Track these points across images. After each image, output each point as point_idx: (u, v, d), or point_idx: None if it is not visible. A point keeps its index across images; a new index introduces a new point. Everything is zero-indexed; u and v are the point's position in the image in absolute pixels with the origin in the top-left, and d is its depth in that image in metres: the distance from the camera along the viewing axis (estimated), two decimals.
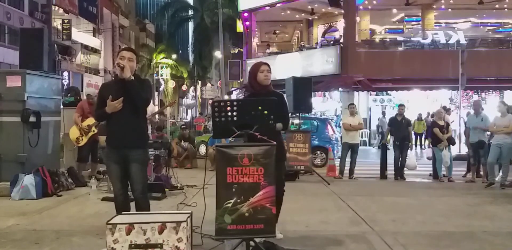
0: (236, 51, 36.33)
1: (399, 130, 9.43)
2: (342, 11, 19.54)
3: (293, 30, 29.30)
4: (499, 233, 4.46)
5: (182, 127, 11.70)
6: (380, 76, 17.23)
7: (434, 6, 21.22)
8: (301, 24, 26.92)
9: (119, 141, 3.72)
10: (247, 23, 23.95)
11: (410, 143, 9.39)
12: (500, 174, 8.17)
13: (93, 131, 7.33)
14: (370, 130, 18.52)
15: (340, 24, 21.21)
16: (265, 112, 3.50)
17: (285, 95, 8.98)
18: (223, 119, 3.51)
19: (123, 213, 3.49)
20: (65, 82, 21.64)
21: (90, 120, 7.38)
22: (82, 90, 17.57)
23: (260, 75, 3.96)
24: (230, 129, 3.48)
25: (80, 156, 7.49)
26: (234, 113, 3.50)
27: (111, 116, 3.76)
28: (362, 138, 16.60)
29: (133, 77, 3.67)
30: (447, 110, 14.85)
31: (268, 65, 4.03)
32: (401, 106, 9.87)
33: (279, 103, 3.80)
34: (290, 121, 6.63)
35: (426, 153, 14.40)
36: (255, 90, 4.01)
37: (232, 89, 30.74)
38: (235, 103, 3.56)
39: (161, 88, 37.11)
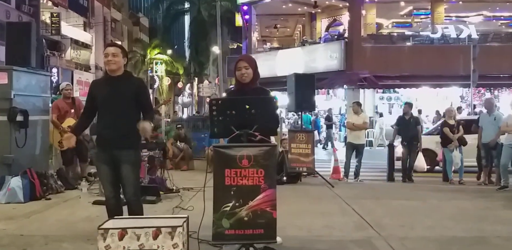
0: (235, 47, 36.37)
1: (407, 129, 9.44)
2: (347, 4, 19.57)
3: (295, 24, 29.29)
4: None
5: (178, 126, 11.68)
6: (387, 73, 17.24)
7: None
8: (304, 18, 26.91)
9: (109, 141, 3.72)
10: (247, 16, 23.96)
11: (419, 143, 9.38)
12: None
13: None
14: (385, 130, 18.47)
15: (345, 17, 21.22)
16: (253, 111, 3.46)
17: (287, 93, 8.97)
18: (221, 118, 3.51)
19: (115, 217, 3.50)
20: (54, 79, 21.60)
21: (70, 121, 7.23)
22: (72, 88, 17.55)
23: (237, 73, 3.85)
24: (229, 128, 3.48)
25: (64, 159, 7.43)
26: (233, 112, 3.50)
27: (100, 115, 3.79)
28: (368, 138, 16.60)
29: (121, 73, 3.73)
30: (458, 108, 14.89)
31: (247, 60, 3.85)
32: (405, 105, 9.90)
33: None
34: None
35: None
36: (237, 88, 3.96)
37: (231, 86, 30.74)
38: (233, 102, 3.57)
39: (155, 86, 37.06)
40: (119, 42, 32.16)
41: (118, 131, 3.71)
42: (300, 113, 10.05)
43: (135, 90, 3.77)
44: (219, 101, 3.58)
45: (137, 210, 3.78)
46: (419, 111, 16.73)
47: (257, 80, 3.91)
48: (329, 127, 18.76)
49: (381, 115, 18.07)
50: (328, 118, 18.99)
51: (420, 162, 9.44)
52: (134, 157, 3.80)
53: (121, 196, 3.89)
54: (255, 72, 3.84)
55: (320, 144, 19.45)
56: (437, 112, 16.61)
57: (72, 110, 7.42)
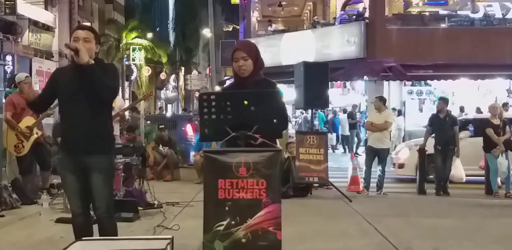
0: (231, 29, 36.42)
1: (441, 131, 9.44)
2: None
3: (304, 2, 29.32)
4: None
5: (161, 127, 11.69)
6: (417, 62, 17.22)
7: None
8: None
9: (76, 145, 3.71)
10: None
11: (456, 148, 9.38)
12: None
13: (36, 134, 7.24)
14: (404, 131, 18.48)
15: None
16: (252, 108, 3.45)
17: (293, 86, 8.98)
18: (214, 117, 3.51)
19: (83, 238, 3.49)
20: (9, 69, 21.60)
21: (29, 120, 7.19)
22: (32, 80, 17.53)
23: (234, 65, 3.81)
24: (223, 129, 3.48)
25: (22, 167, 7.38)
26: (228, 109, 3.50)
27: (65, 112, 3.77)
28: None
29: (93, 62, 3.65)
30: (504, 105, 14.88)
31: (246, 50, 3.79)
32: (439, 100, 9.88)
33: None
34: None
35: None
36: (236, 81, 3.94)
37: (226, 78, 30.79)
38: (229, 96, 3.56)
39: (133, 77, 37.09)
40: (88, 24, 32.21)
41: (88, 132, 3.69)
42: (311, 111, 10.05)
43: None
44: (211, 96, 3.57)
45: (110, 229, 3.78)
46: (461, 109, 16.71)
47: (260, 70, 3.88)
48: (352, 126, 18.77)
49: (399, 113, 18.10)
50: (351, 116, 19.00)
51: (458, 170, 9.44)
52: (107, 164, 3.80)
53: (91, 212, 3.88)
54: (256, 63, 3.80)
55: (336, 149, 19.48)
56: (478, 109, 16.60)
57: None
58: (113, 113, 7.33)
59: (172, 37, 44.77)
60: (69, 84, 3.70)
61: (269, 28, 23.78)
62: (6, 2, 22.55)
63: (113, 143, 3.99)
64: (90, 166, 3.70)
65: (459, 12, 20.25)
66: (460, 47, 17.22)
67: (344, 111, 19.68)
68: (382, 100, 9.77)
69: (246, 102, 3.47)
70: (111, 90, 3.73)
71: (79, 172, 3.73)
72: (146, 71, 37.33)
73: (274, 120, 3.54)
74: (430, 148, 9.60)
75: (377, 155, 9.30)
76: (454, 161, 9.43)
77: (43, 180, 7.65)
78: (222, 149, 3.60)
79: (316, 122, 10.57)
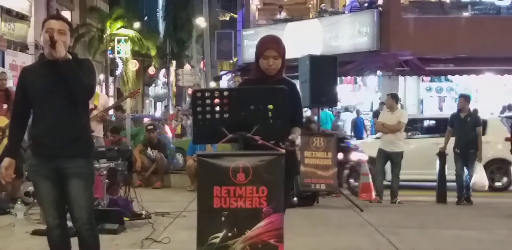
0: (228, 18, 36.45)
1: (461, 132, 9.43)
2: None
3: None
4: None
5: (149, 128, 11.70)
6: (436, 55, 17.23)
7: None
8: None
9: (51, 148, 3.70)
10: None
11: (478, 151, 9.36)
12: None
13: None
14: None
15: None
16: (270, 106, 3.50)
17: (298, 82, 9.00)
18: (209, 116, 3.52)
19: None
20: None
21: (2, 120, 7.21)
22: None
23: (263, 63, 3.92)
24: (219, 131, 3.49)
25: None
26: (225, 108, 3.51)
27: (38, 113, 3.76)
28: None
29: (70, 56, 3.65)
30: None
31: (277, 48, 3.93)
32: (460, 98, 9.87)
33: (290, 96, 3.81)
34: None
35: None
36: (256, 77, 4.03)
37: (222, 73, 30.86)
38: (226, 93, 3.57)
39: (118, 72, 37.12)
40: (68, 13, 32.22)
41: (64, 134, 3.69)
42: (318, 109, 10.06)
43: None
44: (206, 93, 3.58)
45: (91, 243, 3.78)
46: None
47: (283, 70, 4.02)
48: None
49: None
50: (377, 116, 18.91)
51: (480, 177, 9.41)
52: (86, 169, 3.80)
53: (69, 223, 3.88)
54: (283, 61, 3.97)
55: None
56: (507, 107, 16.61)
57: (5, 106, 7.41)
58: (97, 112, 7.41)
59: (162, 27, 44.78)
60: (42, 83, 3.69)
61: (278, 15, 23.72)
62: None
63: (92, 146, 3.99)
64: (67, 171, 3.70)
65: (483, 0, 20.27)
66: (485, 39, 17.22)
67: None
68: (395, 98, 9.77)
69: (271, 106, 3.51)
70: (87, 89, 3.73)
71: (54, 178, 3.72)
72: (133, 66, 37.31)
73: (280, 121, 3.57)
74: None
75: (390, 159, 9.31)
76: (476, 166, 9.41)
77: (14, 189, 7.65)
78: (218, 153, 3.60)
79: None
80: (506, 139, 9.49)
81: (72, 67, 3.62)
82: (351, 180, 10.35)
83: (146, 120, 17.45)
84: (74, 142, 3.72)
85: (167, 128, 16.46)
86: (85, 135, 3.83)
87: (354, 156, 9.96)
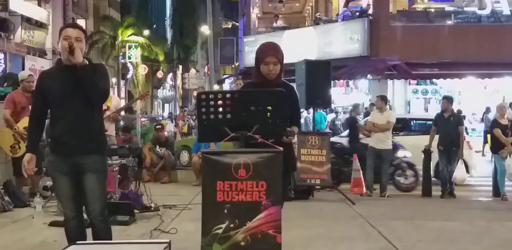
0: (230, 26, 36.42)
1: (445, 131, 9.43)
2: None
3: None
4: None
5: (157, 127, 11.70)
6: (422, 60, 17.22)
7: None
8: None
9: (68, 146, 3.73)
10: None
11: (460, 149, 9.35)
12: None
13: None
14: None
15: None
16: (269, 107, 3.50)
17: (295, 85, 9.01)
18: (212, 116, 3.52)
19: (77, 242, 3.49)
20: (1, 67, 21.64)
21: (28, 121, 7.26)
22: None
23: (264, 68, 3.95)
24: (222, 130, 3.49)
25: (16, 169, 7.41)
26: (227, 109, 3.51)
27: (56, 114, 3.78)
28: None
29: (86, 62, 3.68)
30: (511, 104, 14.87)
31: (277, 55, 3.96)
32: (444, 100, 9.88)
33: (289, 98, 3.82)
34: None
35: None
36: (257, 81, 4.04)
37: (224, 76, 30.80)
38: (228, 95, 3.57)
39: (129, 76, 37.09)
40: (83, 21, 32.21)
41: (81, 134, 3.72)
42: (313, 110, 10.05)
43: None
44: (210, 95, 3.58)
45: (104, 233, 3.79)
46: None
47: (282, 74, 4.06)
48: None
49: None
50: (368, 116, 18.88)
51: (460, 172, 9.41)
52: (100, 165, 3.83)
53: (84, 215, 3.88)
54: (282, 68, 4.01)
55: None
56: (489, 109, 16.60)
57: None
58: (110, 113, 7.40)
59: (169, 35, 44.79)
60: (60, 87, 3.71)
61: (274, 24, 23.70)
62: None
63: (106, 144, 4.01)
64: (83, 167, 3.72)
65: (465, 9, 20.22)
66: (467, 45, 17.22)
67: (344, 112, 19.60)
68: (384, 99, 9.78)
69: (270, 107, 3.52)
70: (102, 93, 3.75)
71: (71, 174, 3.74)
72: (143, 70, 37.31)
73: (279, 121, 3.57)
74: None
75: (379, 156, 9.30)
76: (457, 162, 9.41)
77: (33, 184, 7.65)
78: (221, 150, 3.60)
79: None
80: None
81: (88, 72, 3.65)
82: (398, 178, 10.04)
83: (143, 119, 17.31)
84: (89, 140, 3.74)
85: (170, 126, 16.40)
86: (99, 134, 3.86)
87: (400, 154, 9.89)
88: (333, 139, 10.41)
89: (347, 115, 19.43)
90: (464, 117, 17.42)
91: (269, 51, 3.99)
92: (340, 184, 9.89)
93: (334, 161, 9.51)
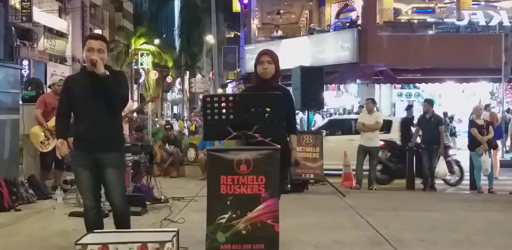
0: (232, 36, 36.38)
1: (426, 130, 9.44)
2: None
3: (301, 10, 29.32)
4: None
5: (167, 127, 11.69)
6: (406, 66, 17.23)
7: None
8: (311, 3, 26.94)
9: (90, 143, 3.77)
10: (246, 1, 23.96)
11: (440, 146, 9.36)
12: None
13: None
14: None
15: (358, 2, 21.22)
16: (268, 109, 3.51)
17: (291, 89, 9.00)
18: (216, 117, 3.52)
19: (95, 231, 3.50)
20: (25, 73, 21.64)
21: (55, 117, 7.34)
22: (46, 83, 17.56)
23: (259, 68, 3.98)
24: (225, 129, 3.49)
25: (43, 163, 7.45)
26: (230, 110, 3.51)
27: (80, 115, 3.85)
28: None
29: (108, 72, 3.73)
30: (487, 106, 14.88)
31: (270, 55, 4.01)
32: (425, 102, 9.91)
33: (285, 100, 3.82)
34: None
35: None
36: (256, 84, 4.05)
37: (227, 81, 30.78)
38: (231, 98, 3.57)
39: (141, 80, 37.08)
40: (100, 31, 32.18)
41: (103, 133, 3.78)
42: (307, 112, 10.05)
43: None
44: (214, 98, 3.59)
45: (124, 221, 3.86)
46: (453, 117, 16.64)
47: (279, 78, 4.06)
48: None
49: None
50: None
51: (441, 167, 9.42)
52: (119, 160, 3.88)
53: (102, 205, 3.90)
54: (277, 69, 4.00)
55: None
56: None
57: None
58: (124, 114, 7.40)
59: (177, 43, 44.74)
60: (84, 91, 3.78)
61: (275, 33, 23.76)
62: (23, 10, 22.57)
63: (124, 142, 4.09)
64: (104, 162, 3.77)
65: (445, 20, 20.27)
66: (447, 53, 17.23)
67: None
68: (374, 102, 9.82)
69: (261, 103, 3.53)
70: (122, 98, 3.84)
71: (92, 168, 3.78)
72: (154, 75, 37.32)
73: (276, 121, 3.58)
74: None
75: (369, 153, 9.30)
76: (438, 158, 9.41)
77: (56, 178, 7.65)
78: (224, 147, 3.62)
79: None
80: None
81: (110, 81, 3.72)
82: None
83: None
84: (109, 138, 3.81)
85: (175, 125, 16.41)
86: (118, 133, 3.95)
87: (451, 152, 10.03)
88: (384, 137, 10.21)
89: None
90: (452, 117, 17.54)
91: (263, 52, 4.06)
92: (393, 180, 10.05)
93: (388, 158, 9.53)
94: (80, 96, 3.79)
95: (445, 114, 16.38)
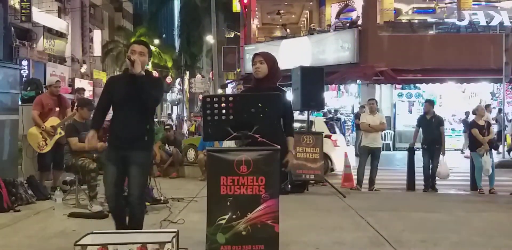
0: (232, 36, 36.37)
1: (427, 131, 9.43)
2: None
3: (301, 10, 29.32)
4: None
5: (166, 127, 11.68)
6: (406, 66, 17.24)
7: None
8: (311, 3, 26.95)
9: (121, 141, 4.03)
10: (246, 1, 23.96)
11: (441, 147, 9.36)
12: None
13: (59, 133, 7.30)
14: (394, 131, 18.52)
15: (358, 2, 21.23)
16: (266, 109, 3.52)
17: (291, 89, 9.00)
18: (216, 118, 3.52)
19: (94, 232, 3.51)
20: (25, 73, 21.66)
21: (54, 120, 7.32)
22: (45, 83, 17.57)
23: (252, 68, 4.11)
24: (225, 130, 3.49)
25: (41, 164, 7.44)
26: (230, 110, 3.52)
27: (117, 114, 4.13)
28: (385, 140, 16.60)
29: (143, 73, 3.97)
30: (487, 107, 14.87)
31: (263, 55, 4.11)
32: (426, 103, 9.88)
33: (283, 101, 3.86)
34: None
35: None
36: (253, 85, 4.11)
37: (227, 81, 30.77)
38: (231, 98, 3.58)
39: None
40: (99, 32, 32.19)
41: (132, 132, 4.02)
42: (307, 112, 10.05)
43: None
44: (214, 99, 3.59)
45: (138, 213, 4.12)
46: (473, 112, 16.60)
47: (275, 79, 4.13)
48: (358, 127, 18.64)
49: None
50: (358, 117, 18.89)
51: (443, 168, 9.42)
52: (146, 159, 4.15)
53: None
54: (271, 69, 4.07)
55: None
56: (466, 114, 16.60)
57: (57, 109, 7.51)
58: None
59: (177, 43, 44.79)
60: (121, 90, 4.05)
61: (284, 31, 23.81)
62: (22, 11, 22.60)
63: (153, 142, 4.34)
64: (130, 159, 4.01)
65: (446, 20, 20.28)
66: (447, 53, 17.24)
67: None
68: (377, 103, 9.83)
69: (260, 104, 3.56)
70: (155, 99, 4.07)
71: (120, 164, 4.04)
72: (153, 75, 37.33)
73: (276, 122, 3.59)
74: None
75: (372, 153, 9.25)
76: (440, 159, 9.40)
77: (55, 179, 7.65)
78: (224, 148, 3.62)
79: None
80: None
81: (144, 81, 3.95)
82: None
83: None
84: (138, 137, 4.04)
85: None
86: (149, 134, 4.13)
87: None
88: None
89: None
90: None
91: (257, 53, 4.15)
92: None
93: None
94: (119, 94, 4.05)
95: (500, 110, 16.22)
